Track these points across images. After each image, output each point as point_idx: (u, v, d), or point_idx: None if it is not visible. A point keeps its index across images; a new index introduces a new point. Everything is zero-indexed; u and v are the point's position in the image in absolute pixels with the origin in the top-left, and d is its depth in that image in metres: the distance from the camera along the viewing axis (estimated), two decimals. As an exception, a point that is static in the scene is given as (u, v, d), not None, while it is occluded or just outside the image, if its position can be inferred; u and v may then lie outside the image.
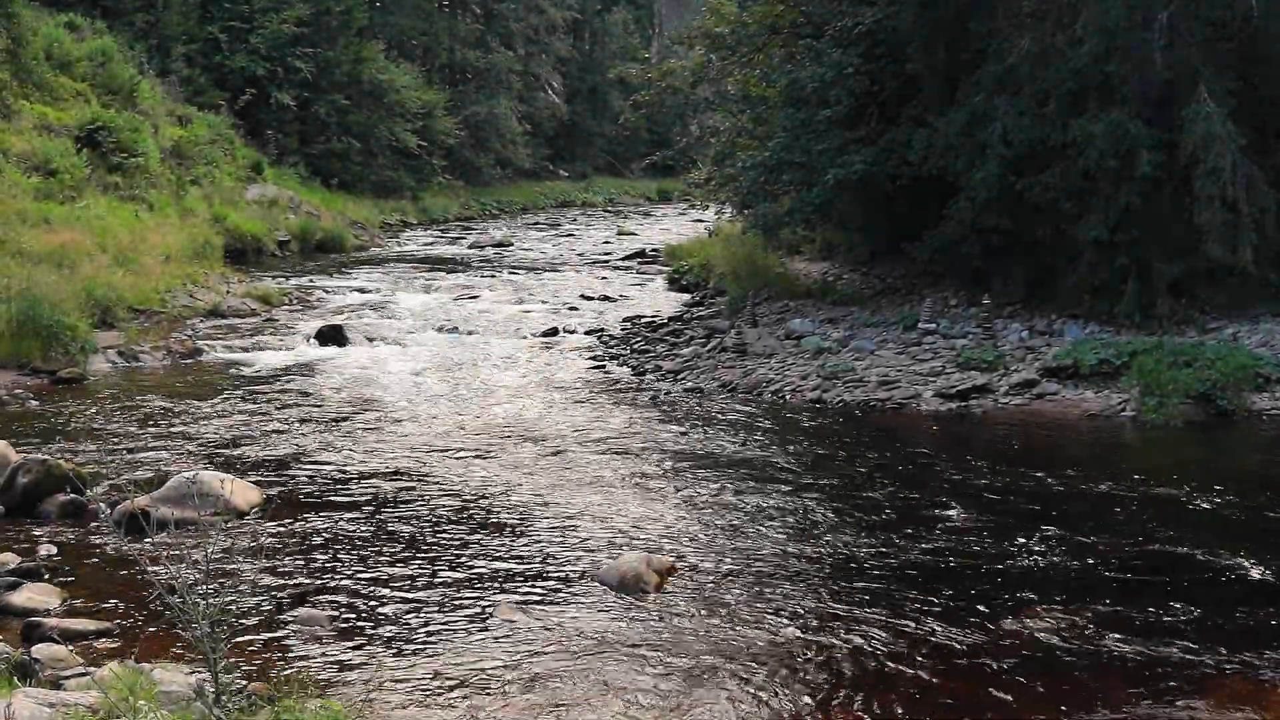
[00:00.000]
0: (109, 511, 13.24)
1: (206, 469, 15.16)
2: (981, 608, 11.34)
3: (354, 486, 15.38)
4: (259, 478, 15.39)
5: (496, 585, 11.88)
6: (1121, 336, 21.37)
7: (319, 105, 56.39)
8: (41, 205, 31.27)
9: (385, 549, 12.97)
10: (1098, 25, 21.85)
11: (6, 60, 25.93)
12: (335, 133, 57.30)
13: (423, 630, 10.75)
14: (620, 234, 54.72)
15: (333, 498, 14.90)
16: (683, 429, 18.91)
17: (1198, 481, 15.56)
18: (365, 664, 10.02)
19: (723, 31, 31.93)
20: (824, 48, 26.14)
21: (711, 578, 12.16)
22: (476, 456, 16.97)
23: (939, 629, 10.83)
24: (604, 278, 38.14)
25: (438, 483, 15.57)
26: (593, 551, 12.87)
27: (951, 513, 14.38)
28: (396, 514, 14.23)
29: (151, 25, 51.29)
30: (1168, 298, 22.04)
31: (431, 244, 50.84)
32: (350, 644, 10.42)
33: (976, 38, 24.18)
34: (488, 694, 9.52)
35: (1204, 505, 14.69)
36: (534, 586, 11.85)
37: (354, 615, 11.07)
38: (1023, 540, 13.26)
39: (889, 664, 10.21)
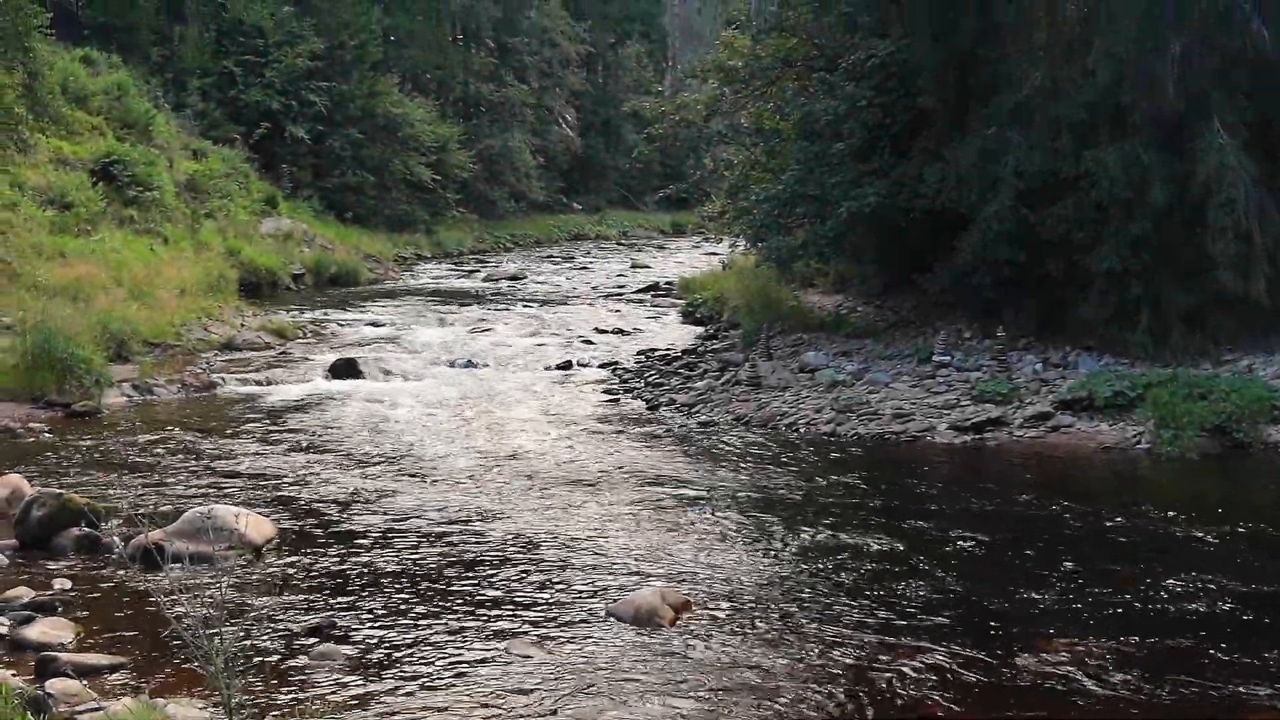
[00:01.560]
0: (123, 545, 13.26)
1: (221, 503, 15.17)
2: (998, 641, 11.30)
3: (368, 520, 15.37)
4: (273, 511, 15.40)
5: (511, 619, 11.85)
6: (1136, 368, 21.33)
7: (333, 139, 56.56)
8: (57, 239, 31.44)
9: (399, 583, 12.95)
10: (1109, 55, 21.88)
11: (23, 95, 26.07)
12: (349, 166, 57.42)
13: (438, 664, 10.72)
14: (634, 267, 54.73)
15: (347, 531, 14.89)
16: (697, 462, 18.91)
17: (1214, 514, 15.51)
18: (380, 698, 9.99)
19: (736, 65, 32.01)
20: (837, 81, 26.18)
21: (727, 612, 12.13)
22: (490, 490, 16.96)
23: (955, 663, 10.78)
24: (618, 311, 38.14)
25: (452, 517, 15.55)
26: (608, 586, 12.84)
27: (968, 546, 14.34)
28: (410, 547, 14.21)
29: (167, 59, 51.65)
30: (1181, 329, 21.97)
31: (445, 277, 50.93)
32: (365, 678, 10.39)
33: (988, 70, 24.22)
34: (502, 729, 9.50)
35: (1221, 538, 14.62)
36: (548, 621, 11.82)
37: (368, 649, 11.04)
38: (1039, 573, 13.22)
39: (904, 697, 10.17)
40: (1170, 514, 15.64)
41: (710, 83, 34.46)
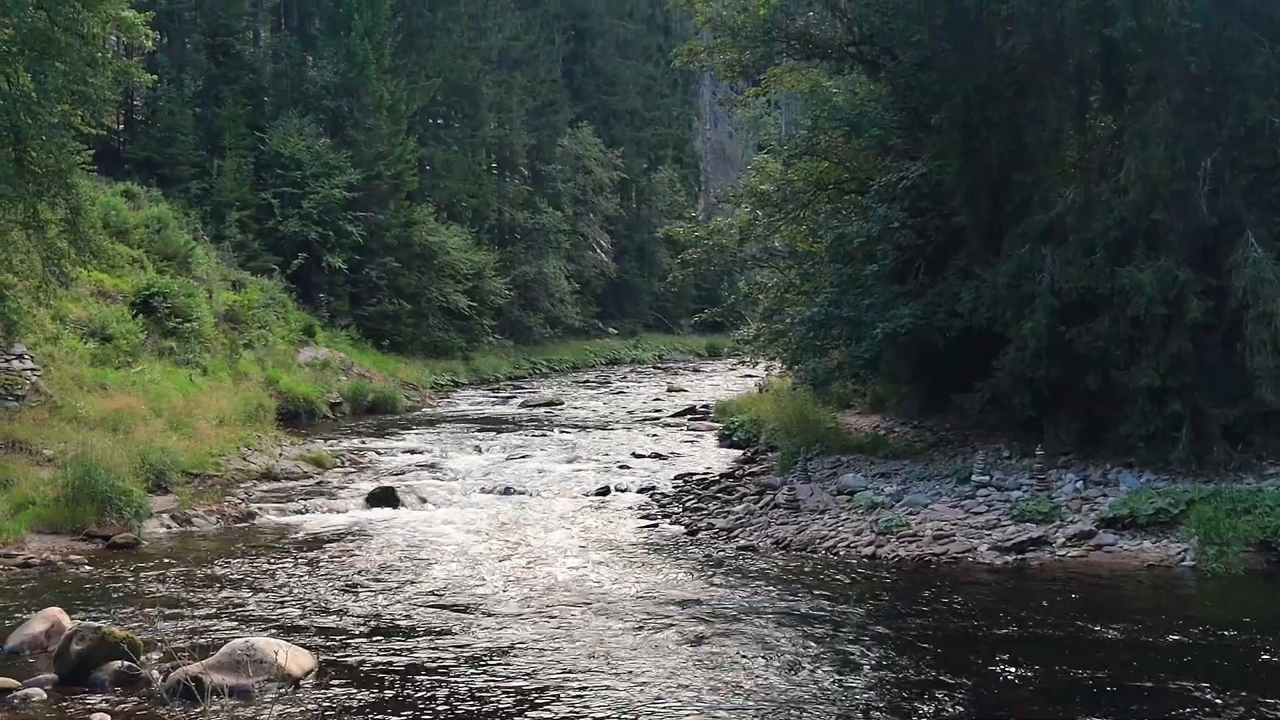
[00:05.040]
0: (162, 679, 13.22)
1: (260, 634, 15.12)
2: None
3: (407, 651, 15.29)
4: (312, 643, 15.32)
5: (551, 750, 11.75)
6: (1178, 484, 21.15)
7: (370, 268, 57.11)
8: (98, 370, 31.77)
9: (439, 716, 12.84)
10: (1141, 174, 21.97)
11: (65, 229, 26.47)
12: (386, 295, 57.93)
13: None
14: (670, 391, 54.84)
15: (386, 663, 14.80)
16: (738, 588, 18.75)
17: (1262, 633, 15.30)
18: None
19: (768, 189, 32.28)
20: (869, 203, 26.36)
21: (769, 739, 11.99)
22: (530, 620, 16.85)
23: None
24: (655, 435, 38.11)
25: (491, 647, 15.46)
26: (649, 717, 12.70)
27: (1014, 670, 14.16)
28: (450, 679, 14.12)
29: (206, 192, 52.38)
30: (1223, 444, 21.83)
31: (482, 404, 51.03)
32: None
33: (1020, 189, 24.34)
34: None
35: (1270, 658, 14.41)
36: (589, 751, 11.71)
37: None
38: (1086, 698, 13.04)
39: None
40: (1218, 634, 15.44)
41: (743, 207, 34.74)
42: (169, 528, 23.64)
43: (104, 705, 13.16)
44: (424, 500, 26.50)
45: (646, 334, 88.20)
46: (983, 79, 24.65)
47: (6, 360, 29.30)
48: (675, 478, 29.11)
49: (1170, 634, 15.49)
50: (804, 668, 14.52)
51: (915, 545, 20.83)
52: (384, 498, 26.17)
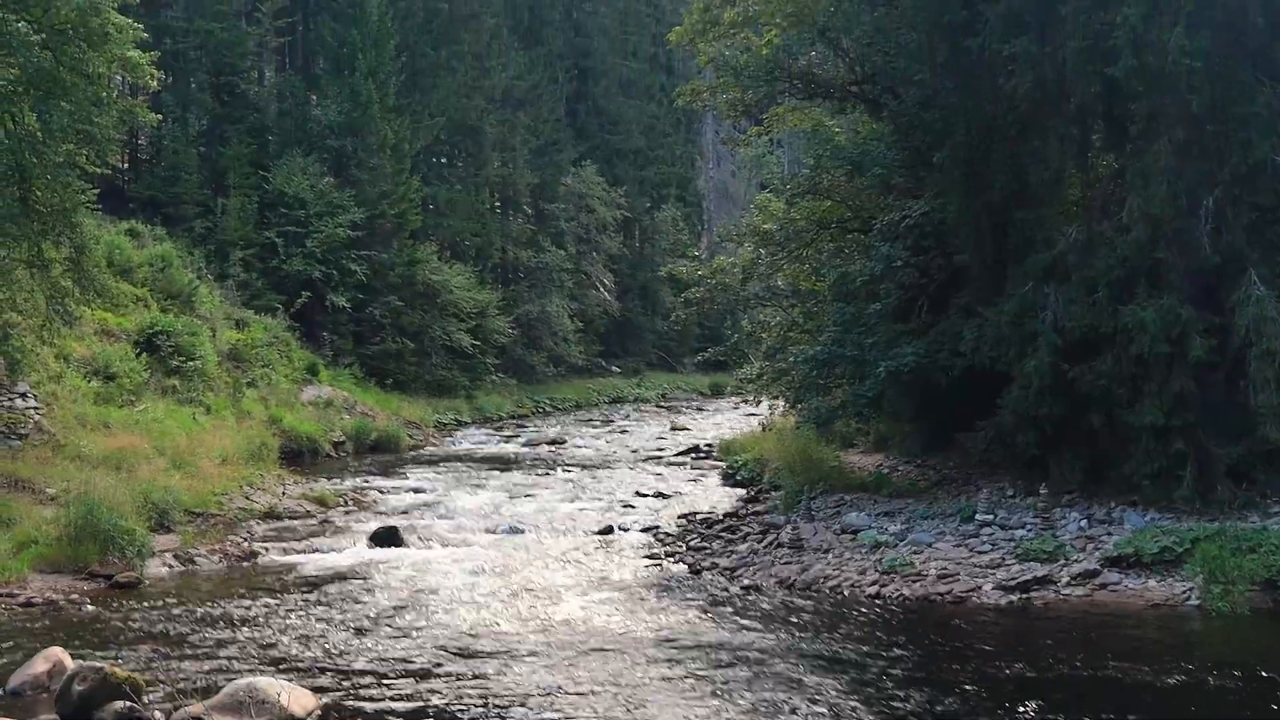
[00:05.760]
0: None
1: (262, 675, 15.08)
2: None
3: (410, 692, 15.25)
4: (315, 683, 15.29)
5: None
6: (1182, 523, 21.10)
7: (374, 307, 57.11)
8: (101, 409, 31.79)
9: (441, 754, 12.82)
10: (1143, 212, 22.00)
11: (69, 269, 26.52)
12: (390, 333, 57.93)
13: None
14: (674, 429, 54.75)
15: (390, 704, 14.76)
16: (745, 630, 18.69)
17: (1269, 673, 15.24)
18: None
19: (771, 228, 32.32)
20: (872, 241, 26.39)
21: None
22: (535, 661, 16.80)
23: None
24: (658, 474, 38.01)
25: (495, 689, 15.41)
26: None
27: (1020, 711, 14.11)
28: None
29: (210, 231, 52.51)
30: (1227, 482, 21.78)
31: (485, 442, 50.94)
32: None
33: (1023, 227, 24.37)
34: None
35: (1278, 698, 14.35)
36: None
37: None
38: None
39: None
40: (1225, 674, 15.39)
41: (746, 246, 34.80)
42: (171, 567, 23.59)
43: (106, 746, 13.14)
44: (427, 540, 26.44)
45: (650, 372, 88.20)
46: (985, 118, 24.73)
47: (10, 399, 29.33)
48: (679, 517, 29.04)
49: (1177, 674, 15.43)
50: (806, 711, 14.45)
51: (920, 584, 20.78)
52: (387, 537, 26.11)
